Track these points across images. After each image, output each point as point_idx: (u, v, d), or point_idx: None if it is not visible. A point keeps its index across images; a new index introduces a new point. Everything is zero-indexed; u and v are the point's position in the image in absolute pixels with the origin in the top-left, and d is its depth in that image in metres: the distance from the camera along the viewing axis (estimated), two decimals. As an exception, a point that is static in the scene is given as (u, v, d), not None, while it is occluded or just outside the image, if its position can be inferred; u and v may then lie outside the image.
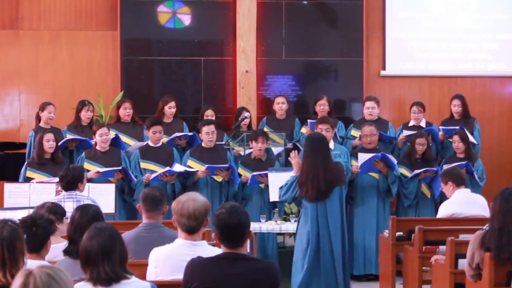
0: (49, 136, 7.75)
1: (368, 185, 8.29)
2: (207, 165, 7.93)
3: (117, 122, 8.72)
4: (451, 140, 8.73)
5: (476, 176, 8.33)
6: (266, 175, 7.71)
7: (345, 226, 6.39)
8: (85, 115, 8.60)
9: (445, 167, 8.35)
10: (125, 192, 7.98)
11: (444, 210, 6.73)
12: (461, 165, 8.14)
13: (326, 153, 6.32)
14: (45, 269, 2.57)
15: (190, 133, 8.62)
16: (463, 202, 6.66)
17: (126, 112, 8.71)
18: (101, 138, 7.93)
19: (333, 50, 10.10)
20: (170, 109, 8.87)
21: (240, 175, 8.05)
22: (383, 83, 10.39)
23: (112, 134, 8.22)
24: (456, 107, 9.12)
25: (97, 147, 8.03)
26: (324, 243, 6.19)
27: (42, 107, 8.48)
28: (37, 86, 9.98)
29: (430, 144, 8.60)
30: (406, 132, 8.91)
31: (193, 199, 4.10)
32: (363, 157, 8.08)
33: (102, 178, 7.81)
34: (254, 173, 7.90)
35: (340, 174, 6.33)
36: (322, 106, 9.10)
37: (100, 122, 8.92)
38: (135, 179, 7.89)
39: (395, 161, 8.18)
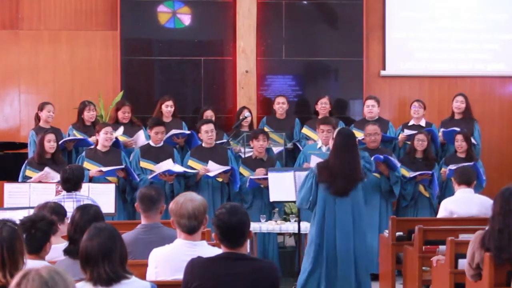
0: (51, 136, 7.76)
1: (371, 185, 8.26)
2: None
3: (115, 123, 8.72)
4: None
5: (483, 177, 8.28)
6: (264, 178, 7.71)
7: (362, 226, 6.36)
8: (88, 115, 8.61)
9: (445, 167, 8.37)
10: (126, 192, 7.98)
11: (445, 205, 6.76)
12: (468, 165, 8.08)
13: (356, 150, 6.32)
14: (41, 272, 2.50)
15: (188, 131, 8.63)
16: (463, 202, 6.66)
17: (124, 116, 8.73)
18: (106, 136, 7.92)
19: (333, 50, 10.10)
20: (167, 108, 8.87)
21: (242, 175, 8.05)
22: (383, 83, 10.38)
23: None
24: (459, 103, 9.04)
25: (98, 147, 8.03)
26: (329, 239, 6.18)
27: (41, 107, 8.50)
28: (37, 86, 9.99)
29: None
30: (407, 132, 8.89)
31: (190, 199, 4.10)
32: None
33: (104, 177, 7.82)
34: (251, 177, 7.89)
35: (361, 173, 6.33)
36: (323, 105, 9.08)
37: (102, 122, 8.93)
38: (137, 178, 7.89)
39: (398, 164, 8.15)
